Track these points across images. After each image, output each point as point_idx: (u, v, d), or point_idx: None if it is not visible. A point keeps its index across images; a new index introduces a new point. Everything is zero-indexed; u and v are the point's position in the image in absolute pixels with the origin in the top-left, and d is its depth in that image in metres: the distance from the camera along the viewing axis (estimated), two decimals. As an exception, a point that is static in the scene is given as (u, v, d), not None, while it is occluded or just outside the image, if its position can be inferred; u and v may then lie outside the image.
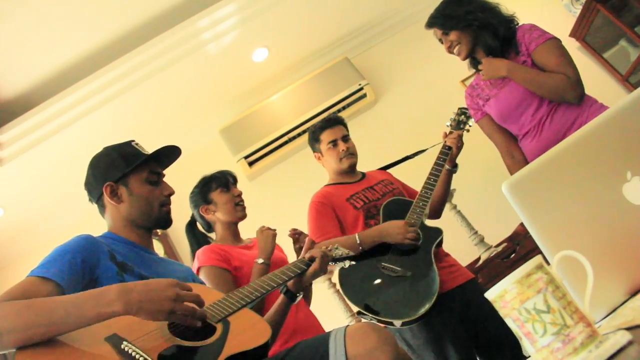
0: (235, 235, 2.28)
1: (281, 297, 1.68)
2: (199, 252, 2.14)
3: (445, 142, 2.36)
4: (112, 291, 1.18)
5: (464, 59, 2.32)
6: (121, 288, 1.19)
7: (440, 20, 2.27)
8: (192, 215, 2.36)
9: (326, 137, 2.42)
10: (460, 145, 2.35)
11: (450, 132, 2.39)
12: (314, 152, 2.50)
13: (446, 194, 2.43)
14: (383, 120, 3.99)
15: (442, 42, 2.32)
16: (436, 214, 2.46)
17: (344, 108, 3.91)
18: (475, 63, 2.36)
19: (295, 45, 3.91)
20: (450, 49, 2.30)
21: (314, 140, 2.47)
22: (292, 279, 1.64)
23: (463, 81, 3.93)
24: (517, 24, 2.28)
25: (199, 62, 3.47)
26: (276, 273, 1.59)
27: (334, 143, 2.40)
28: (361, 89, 3.92)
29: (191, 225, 2.36)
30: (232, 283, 2.04)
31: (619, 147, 0.97)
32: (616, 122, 0.98)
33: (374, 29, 4.16)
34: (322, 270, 1.67)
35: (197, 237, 2.32)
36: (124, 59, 3.19)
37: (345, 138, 2.43)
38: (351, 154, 2.41)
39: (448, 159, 2.33)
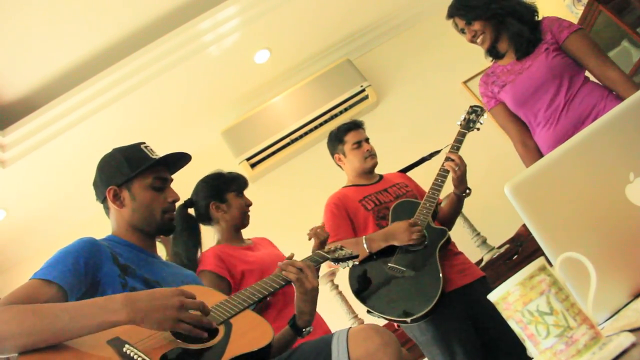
0: (237, 237, 2.28)
1: (287, 329, 1.58)
2: (205, 253, 2.15)
3: (443, 163, 2.34)
4: (117, 300, 1.19)
5: (488, 48, 2.31)
6: (126, 297, 1.19)
7: (463, 11, 2.24)
8: (190, 200, 2.27)
9: (351, 138, 2.50)
10: (459, 169, 2.28)
11: (450, 156, 2.31)
12: (335, 153, 2.56)
13: (454, 215, 2.45)
14: (385, 121, 3.99)
15: (463, 33, 2.29)
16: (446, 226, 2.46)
17: (346, 110, 3.91)
18: (493, 52, 2.35)
19: (297, 47, 3.91)
20: (473, 39, 2.28)
21: (337, 142, 2.53)
22: (299, 312, 1.56)
23: (465, 82, 3.93)
24: (538, 13, 2.28)
25: (201, 64, 3.47)
26: (278, 274, 1.59)
27: (359, 144, 2.49)
28: (363, 90, 3.92)
29: (185, 207, 2.24)
30: (225, 292, 2.01)
31: (622, 148, 0.97)
32: (619, 123, 0.98)
33: (376, 30, 4.16)
34: (310, 283, 1.55)
35: (187, 221, 2.21)
36: (126, 61, 3.20)
37: (367, 140, 2.54)
38: (373, 155, 2.51)
39: (454, 185, 2.34)
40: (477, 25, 2.24)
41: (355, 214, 2.35)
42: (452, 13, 2.28)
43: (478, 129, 2.44)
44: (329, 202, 2.42)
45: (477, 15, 2.22)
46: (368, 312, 2.17)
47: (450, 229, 2.48)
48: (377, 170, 2.58)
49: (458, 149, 2.35)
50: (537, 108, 2.23)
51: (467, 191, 2.36)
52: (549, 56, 2.17)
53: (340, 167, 2.60)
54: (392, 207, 2.34)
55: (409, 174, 2.73)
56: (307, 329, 1.58)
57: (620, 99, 2.12)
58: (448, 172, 2.33)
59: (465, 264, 2.33)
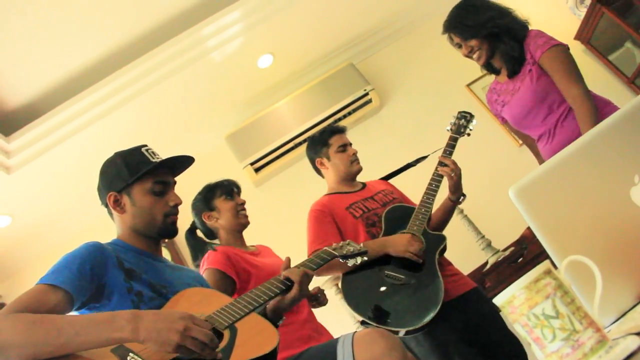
0: (240, 240, 2.27)
1: None
2: (211, 252, 2.13)
3: (437, 168, 2.27)
4: (123, 318, 1.19)
5: (483, 64, 2.31)
6: (132, 315, 1.20)
7: (459, 30, 2.23)
8: (193, 222, 2.33)
9: (336, 141, 2.44)
10: (455, 174, 2.23)
11: (444, 161, 2.25)
12: (317, 157, 2.47)
13: (445, 222, 2.37)
14: (389, 125, 3.99)
15: (459, 47, 2.28)
16: (437, 230, 2.38)
17: (349, 114, 3.91)
18: (489, 68, 2.35)
19: (301, 52, 3.92)
20: (470, 54, 2.27)
21: (321, 145, 2.45)
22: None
23: (468, 85, 3.93)
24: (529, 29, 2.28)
25: (204, 69, 3.48)
26: (272, 280, 1.58)
27: (344, 147, 2.43)
28: (366, 94, 3.92)
29: (191, 232, 2.31)
30: (228, 292, 2.00)
31: (626, 150, 0.97)
32: (623, 125, 0.98)
33: (379, 34, 4.17)
34: (303, 295, 1.55)
35: (197, 244, 2.28)
36: (130, 67, 3.21)
37: (351, 145, 2.47)
38: (358, 160, 2.44)
39: (451, 191, 2.26)
40: (473, 42, 2.23)
41: (342, 221, 2.25)
42: (448, 29, 2.27)
43: (469, 134, 2.38)
44: (312, 209, 2.31)
45: (474, 34, 2.21)
46: (362, 323, 2.04)
47: (441, 230, 2.40)
48: (372, 176, 2.52)
49: (450, 154, 2.28)
50: (533, 127, 2.26)
51: (462, 197, 2.30)
52: (533, 79, 2.18)
53: (320, 173, 2.51)
54: (384, 214, 2.25)
55: (392, 181, 2.64)
56: (281, 320, 1.58)
57: (615, 109, 2.12)
58: (442, 176, 2.25)
59: (458, 274, 2.26)
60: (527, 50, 2.20)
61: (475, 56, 2.27)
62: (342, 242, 1.78)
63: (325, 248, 1.71)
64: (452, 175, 2.22)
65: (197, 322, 1.24)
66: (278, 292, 1.49)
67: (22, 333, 1.14)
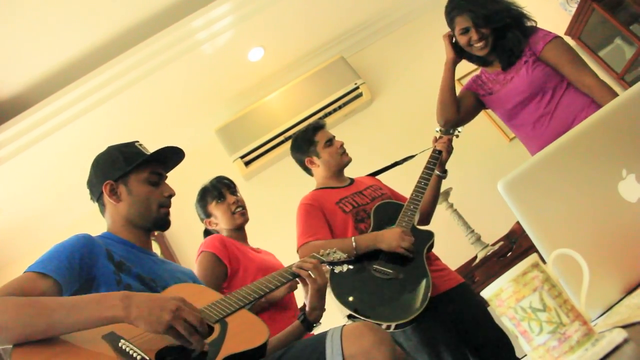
0: (243, 238, 2.31)
1: (297, 324, 1.63)
2: (208, 237, 2.17)
3: (435, 146, 2.37)
4: (115, 296, 1.18)
5: (484, 54, 2.28)
6: (123, 295, 1.19)
7: (477, 14, 2.19)
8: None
9: (322, 137, 2.43)
10: (450, 149, 2.36)
11: (440, 137, 2.40)
12: (306, 157, 2.44)
13: (435, 200, 2.43)
14: (379, 119, 3.99)
15: (465, 32, 2.24)
16: (425, 220, 2.43)
17: (340, 107, 3.91)
18: (478, 59, 2.35)
19: (291, 45, 3.91)
20: (478, 41, 2.22)
21: (307, 144, 2.43)
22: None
23: (459, 80, 3.93)
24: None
25: (194, 62, 3.46)
26: (274, 275, 1.58)
27: (331, 141, 2.43)
28: (357, 88, 3.92)
29: (207, 230, 2.39)
30: (220, 277, 2.06)
31: (615, 144, 0.97)
32: (611, 120, 0.98)
33: (370, 28, 4.16)
34: (323, 279, 1.61)
35: None
36: (118, 59, 3.19)
37: (335, 138, 2.47)
38: (345, 151, 2.45)
39: (438, 163, 2.33)
40: (485, 30, 2.21)
41: (332, 216, 2.25)
42: (462, 10, 2.22)
43: (457, 136, 2.44)
44: (302, 203, 2.31)
45: (490, 21, 2.19)
46: (349, 316, 2.04)
47: (429, 220, 2.45)
48: (362, 169, 2.54)
49: (440, 152, 2.34)
50: (522, 119, 2.26)
51: (446, 173, 2.41)
52: (529, 70, 2.19)
53: (309, 172, 2.49)
54: (373, 209, 2.25)
55: (381, 178, 2.64)
56: (318, 323, 1.63)
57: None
58: (431, 174, 2.30)
59: (445, 269, 2.28)
60: (526, 44, 2.21)
61: (480, 45, 2.23)
62: (329, 249, 1.79)
63: (313, 254, 1.73)
64: (449, 149, 2.34)
65: (189, 305, 1.23)
66: (267, 291, 1.51)
67: (12, 315, 1.12)
